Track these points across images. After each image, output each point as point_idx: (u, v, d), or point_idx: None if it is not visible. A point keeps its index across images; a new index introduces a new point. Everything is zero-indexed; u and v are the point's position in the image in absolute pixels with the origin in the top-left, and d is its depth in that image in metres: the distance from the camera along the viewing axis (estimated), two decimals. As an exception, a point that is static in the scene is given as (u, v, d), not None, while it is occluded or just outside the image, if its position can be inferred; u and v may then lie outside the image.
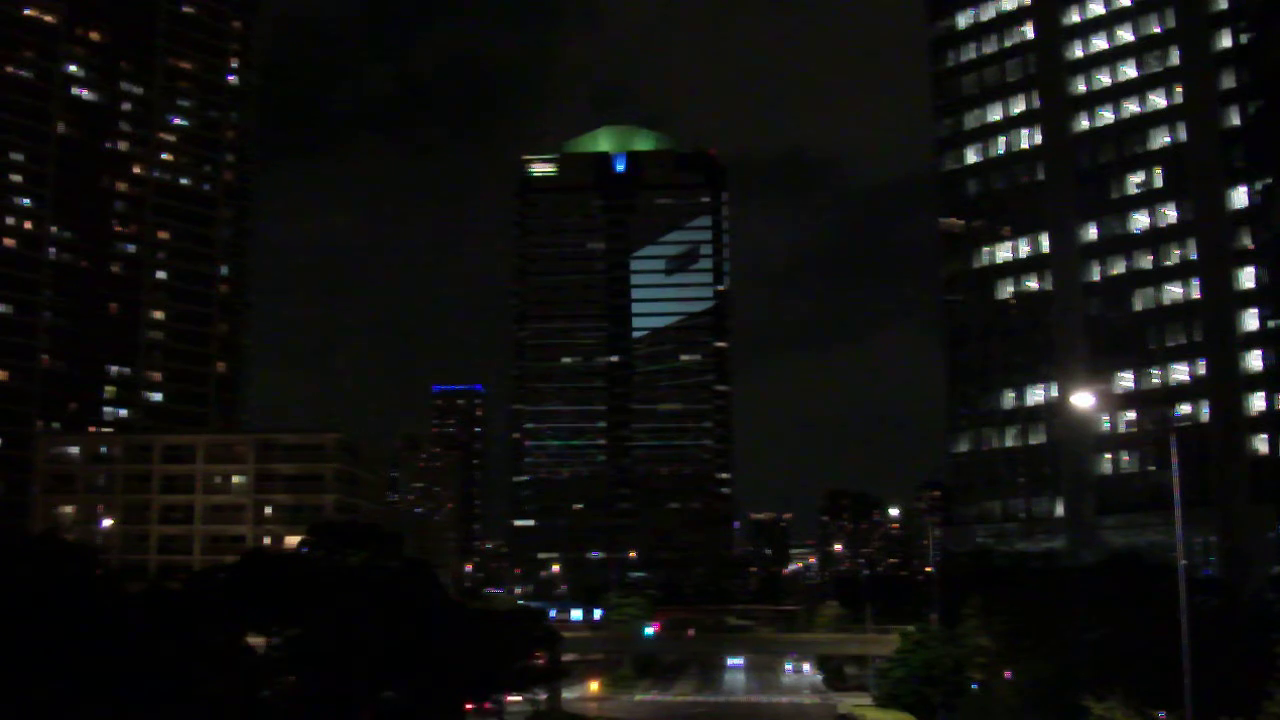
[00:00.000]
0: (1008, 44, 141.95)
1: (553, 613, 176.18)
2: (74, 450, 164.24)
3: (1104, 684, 64.03)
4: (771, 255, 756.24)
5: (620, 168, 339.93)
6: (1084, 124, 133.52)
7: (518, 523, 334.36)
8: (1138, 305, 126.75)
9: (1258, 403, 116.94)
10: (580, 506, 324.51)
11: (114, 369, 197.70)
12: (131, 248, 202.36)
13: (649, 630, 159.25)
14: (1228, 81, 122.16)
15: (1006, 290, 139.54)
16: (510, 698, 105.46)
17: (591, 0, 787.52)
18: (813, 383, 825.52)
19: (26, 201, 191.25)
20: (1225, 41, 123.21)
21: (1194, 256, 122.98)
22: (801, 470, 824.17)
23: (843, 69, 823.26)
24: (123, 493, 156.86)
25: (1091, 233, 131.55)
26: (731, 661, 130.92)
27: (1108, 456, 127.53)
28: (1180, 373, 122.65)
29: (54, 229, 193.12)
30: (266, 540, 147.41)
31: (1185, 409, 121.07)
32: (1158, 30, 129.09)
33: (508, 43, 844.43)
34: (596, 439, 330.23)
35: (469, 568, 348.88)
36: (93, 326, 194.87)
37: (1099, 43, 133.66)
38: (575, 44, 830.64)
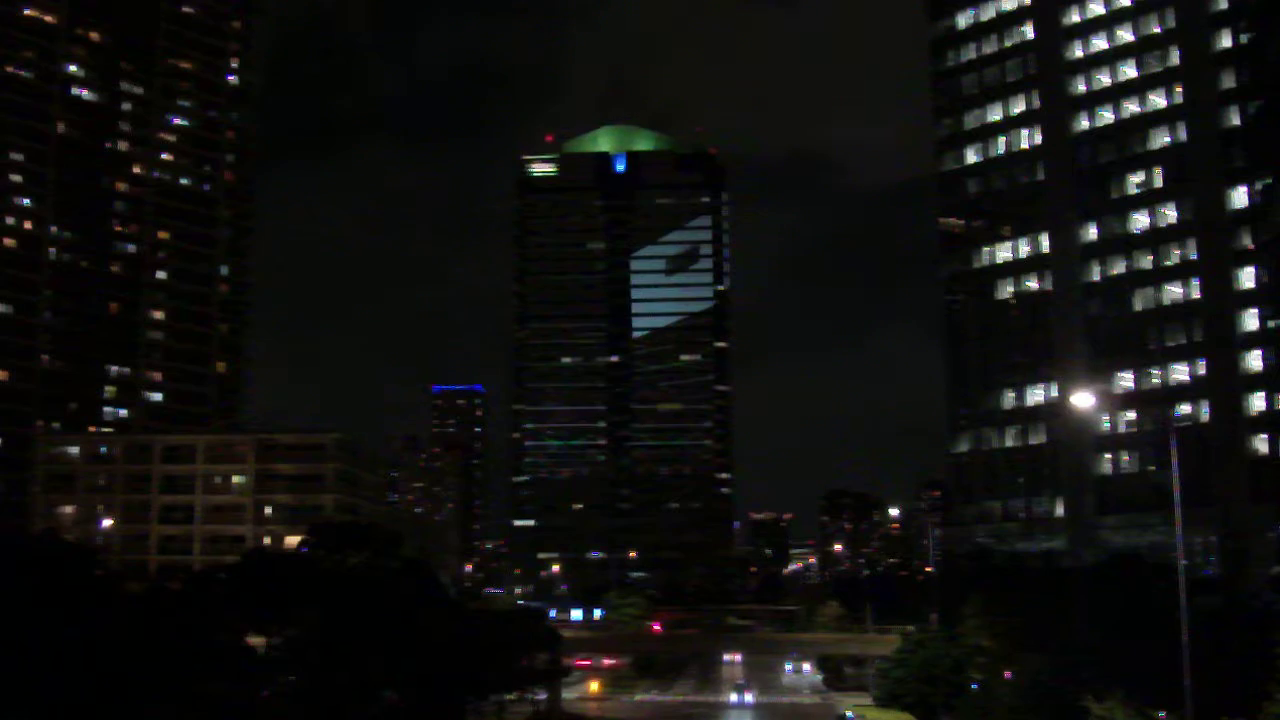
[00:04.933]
0: (1008, 44, 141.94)
1: (553, 613, 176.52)
2: (74, 450, 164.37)
3: (1104, 684, 64.01)
4: (772, 256, 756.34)
5: (620, 168, 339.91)
6: (1084, 124, 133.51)
7: (518, 523, 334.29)
8: (1138, 305, 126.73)
9: (1258, 403, 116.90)
10: (580, 506, 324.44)
11: (114, 369, 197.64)
12: (131, 248, 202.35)
13: (657, 629, 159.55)
14: (1228, 81, 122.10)
15: (1006, 290, 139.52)
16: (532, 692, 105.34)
17: (594, 1, 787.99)
18: (813, 383, 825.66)
19: (26, 201, 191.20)
20: (1225, 41, 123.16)
21: (1194, 256, 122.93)
22: (801, 470, 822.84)
23: (843, 69, 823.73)
24: (123, 493, 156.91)
25: (1091, 233, 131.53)
26: (735, 698, 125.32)
27: (1108, 456, 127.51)
28: (1180, 373, 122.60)
29: (54, 229, 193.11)
30: (266, 540, 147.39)
31: (1185, 409, 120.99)
32: (1158, 30, 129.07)
33: (509, 43, 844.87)
34: (596, 439, 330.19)
35: (469, 568, 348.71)
36: (93, 326, 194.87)
37: (1099, 43, 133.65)
38: (577, 44, 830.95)
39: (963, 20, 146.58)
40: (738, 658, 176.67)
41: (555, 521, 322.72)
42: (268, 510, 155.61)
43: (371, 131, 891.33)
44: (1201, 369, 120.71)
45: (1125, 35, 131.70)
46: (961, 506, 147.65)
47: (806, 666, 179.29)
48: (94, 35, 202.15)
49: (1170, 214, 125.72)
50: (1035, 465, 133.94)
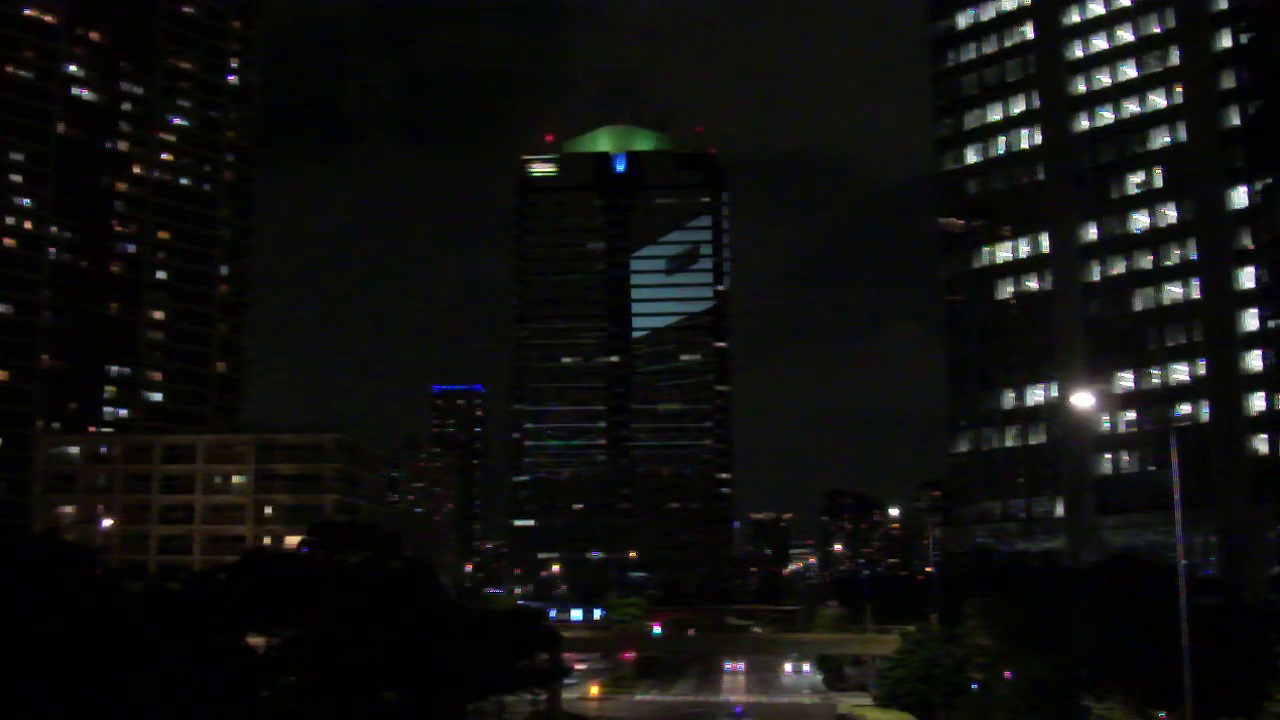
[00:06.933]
0: (1008, 44, 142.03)
1: (553, 613, 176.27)
2: (74, 450, 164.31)
3: (1104, 684, 64.06)
4: (771, 255, 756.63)
5: (620, 168, 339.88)
6: (1084, 124, 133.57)
7: (518, 523, 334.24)
8: (1138, 305, 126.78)
9: (1258, 403, 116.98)
10: (580, 506, 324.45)
11: (114, 369, 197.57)
12: (131, 248, 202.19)
13: (657, 629, 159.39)
14: (1228, 81, 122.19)
15: (1006, 290, 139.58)
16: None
17: (594, 1, 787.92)
18: (812, 382, 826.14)
19: (26, 201, 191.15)
20: (1225, 41, 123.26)
21: (1194, 256, 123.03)
22: (801, 470, 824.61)
23: (844, 69, 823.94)
24: (123, 493, 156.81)
25: (1091, 233, 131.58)
26: None
27: (1108, 456, 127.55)
28: (1180, 373, 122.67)
29: (54, 229, 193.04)
30: (266, 540, 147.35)
31: (1185, 409, 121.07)
32: (1158, 30, 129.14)
33: (510, 43, 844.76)
34: (596, 439, 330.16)
35: (469, 568, 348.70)
36: (93, 326, 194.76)
37: (1099, 43, 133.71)
38: (578, 44, 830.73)
39: (963, 20, 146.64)
40: (740, 666, 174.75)
41: (555, 521, 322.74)
42: (268, 510, 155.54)
43: (371, 131, 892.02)
44: (1201, 369, 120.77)
45: (1125, 35, 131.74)
46: (961, 506, 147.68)
47: (806, 666, 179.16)
48: (94, 35, 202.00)
49: (1170, 214, 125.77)
50: (1035, 465, 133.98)
